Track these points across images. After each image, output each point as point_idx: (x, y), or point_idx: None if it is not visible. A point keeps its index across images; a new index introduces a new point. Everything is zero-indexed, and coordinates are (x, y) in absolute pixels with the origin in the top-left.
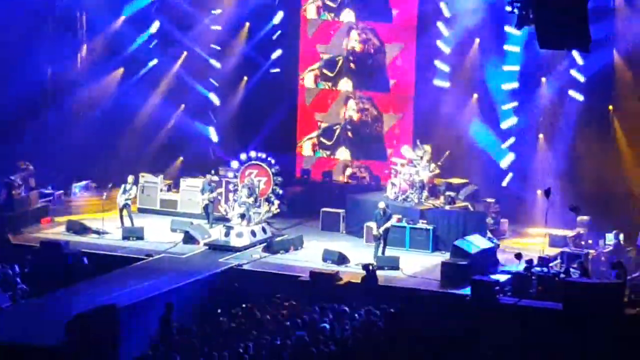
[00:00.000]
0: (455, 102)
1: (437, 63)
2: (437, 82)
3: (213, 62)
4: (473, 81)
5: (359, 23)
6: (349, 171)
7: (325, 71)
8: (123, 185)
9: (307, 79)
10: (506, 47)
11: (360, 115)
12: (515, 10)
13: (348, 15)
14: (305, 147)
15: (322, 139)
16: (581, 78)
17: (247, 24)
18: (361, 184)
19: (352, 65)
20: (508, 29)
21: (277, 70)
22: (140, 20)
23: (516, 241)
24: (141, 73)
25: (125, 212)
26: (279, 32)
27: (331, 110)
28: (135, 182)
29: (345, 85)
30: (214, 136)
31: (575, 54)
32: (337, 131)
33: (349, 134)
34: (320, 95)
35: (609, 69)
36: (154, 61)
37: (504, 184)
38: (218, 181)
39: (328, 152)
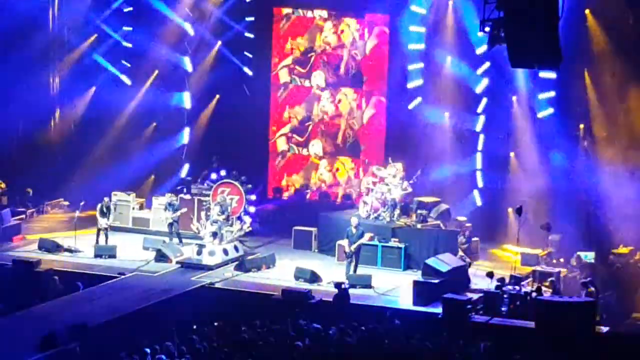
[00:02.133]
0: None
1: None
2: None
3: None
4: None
5: None
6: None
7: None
8: (100, 206)
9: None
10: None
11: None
12: (487, 29)
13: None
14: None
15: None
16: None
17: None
18: (333, 201)
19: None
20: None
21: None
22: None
23: (488, 260)
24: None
25: (102, 232)
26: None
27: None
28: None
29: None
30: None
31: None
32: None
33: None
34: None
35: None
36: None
37: (477, 202)
38: (189, 200)
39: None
